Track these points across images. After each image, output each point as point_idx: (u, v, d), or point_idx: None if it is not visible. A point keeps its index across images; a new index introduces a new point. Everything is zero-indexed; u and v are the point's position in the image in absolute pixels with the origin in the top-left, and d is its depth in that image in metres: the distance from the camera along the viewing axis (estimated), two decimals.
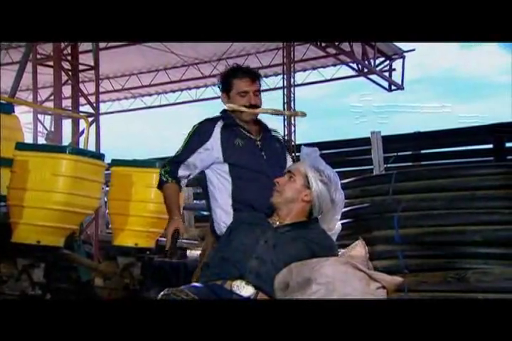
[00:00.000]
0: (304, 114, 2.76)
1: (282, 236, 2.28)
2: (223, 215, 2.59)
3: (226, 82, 2.67)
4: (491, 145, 8.04)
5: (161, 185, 2.64)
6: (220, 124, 2.64)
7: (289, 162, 2.70)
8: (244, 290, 2.18)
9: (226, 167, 2.61)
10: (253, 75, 2.66)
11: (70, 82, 7.38)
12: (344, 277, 1.99)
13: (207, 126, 2.64)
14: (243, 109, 2.61)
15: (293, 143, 9.46)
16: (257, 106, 2.64)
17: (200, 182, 2.72)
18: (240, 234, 2.33)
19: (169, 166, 2.63)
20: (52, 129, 7.28)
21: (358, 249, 2.19)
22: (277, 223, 2.33)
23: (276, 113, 2.72)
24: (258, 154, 2.63)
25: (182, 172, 2.62)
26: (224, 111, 2.72)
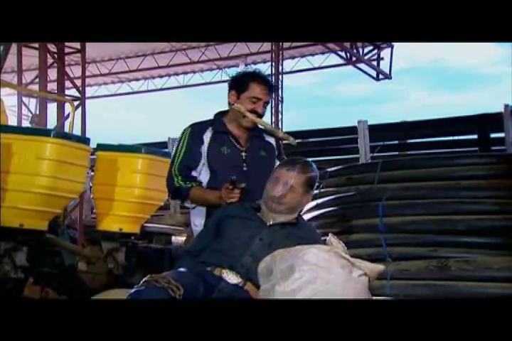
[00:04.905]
0: (294, 142, 2.72)
1: (276, 234, 2.33)
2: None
3: (242, 83, 2.64)
4: (475, 136, 8.09)
5: (186, 194, 2.60)
6: (210, 129, 2.65)
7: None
8: (233, 277, 2.22)
9: (208, 174, 2.62)
10: (271, 86, 2.67)
11: (55, 64, 7.29)
12: (327, 264, 2.00)
13: (199, 130, 2.64)
14: (248, 114, 2.60)
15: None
16: (261, 116, 2.64)
17: None
18: (233, 227, 2.35)
19: (181, 175, 2.62)
20: (37, 112, 7.20)
21: (335, 244, 2.19)
22: (271, 221, 2.36)
23: (271, 131, 2.74)
24: (239, 166, 2.61)
25: (194, 174, 2.63)
26: (217, 115, 2.71)
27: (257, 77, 2.65)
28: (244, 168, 2.61)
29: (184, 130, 2.69)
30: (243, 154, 2.63)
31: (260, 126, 2.70)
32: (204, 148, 2.61)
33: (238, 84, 2.65)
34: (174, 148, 2.70)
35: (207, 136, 2.62)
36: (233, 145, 2.63)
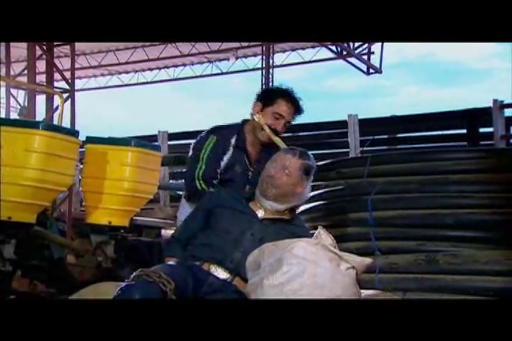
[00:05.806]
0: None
1: (268, 229, 2.33)
2: None
3: (270, 96, 2.69)
4: (464, 131, 8.12)
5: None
6: (233, 144, 2.69)
7: None
8: (222, 273, 2.23)
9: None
10: (298, 107, 2.70)
11: (44, 56, 7.23)
12: (314, 257, 2.01)
13: (223, 142, 2.68)
14: (266, 128, 2.65)
15: None
16: (279, 133, 2.69)
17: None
18: (225, 219, 2.34)
19: (203, 180, 2.66)
20: (26, 104, 7.15)
21: (324, 237, 2.19)
22: (262, 212, 2.36)
23: None
24: (244, 185, 2.71)
25: (215, 182, 2.69)
26: (241, 125, 2.73)
27: (287, 94, 2.68)
28: (246, 189, 2.69)
29: (209, 136, 2.70)
30: (250, 173, 2.73)
31: (280, 144, 2.70)
32: (223, 162, 2.68)
33: (266, 97, 2.69)
34: (196, 150, 2.71)
35: (229, 151, 2.68)
36: (245, 165, 2.72)
